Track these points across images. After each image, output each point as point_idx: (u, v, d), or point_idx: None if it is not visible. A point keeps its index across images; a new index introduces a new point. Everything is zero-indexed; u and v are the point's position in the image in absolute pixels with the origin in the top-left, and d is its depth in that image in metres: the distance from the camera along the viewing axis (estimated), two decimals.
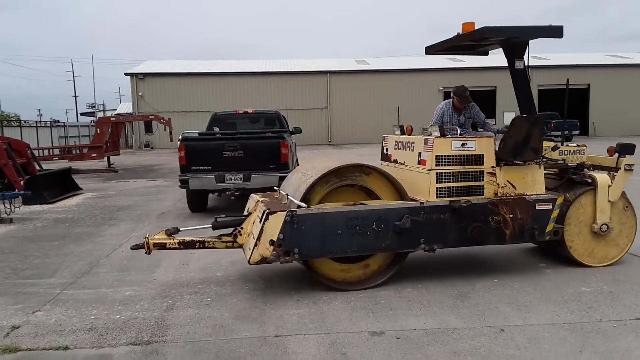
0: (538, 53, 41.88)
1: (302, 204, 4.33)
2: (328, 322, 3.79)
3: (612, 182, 4.96)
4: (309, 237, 4.26)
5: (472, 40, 5.16)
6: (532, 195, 4.82)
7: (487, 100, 37.03)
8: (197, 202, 8.69)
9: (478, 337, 3.49)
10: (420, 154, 4.86)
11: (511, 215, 4.70)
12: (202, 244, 4.62)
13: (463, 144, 4.73)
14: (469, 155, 4.73)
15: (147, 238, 4.55)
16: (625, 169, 5.00)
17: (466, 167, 4.72)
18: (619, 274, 4.70)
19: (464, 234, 4.63)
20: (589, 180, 5.00)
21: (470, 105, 6.02)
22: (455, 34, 5.05)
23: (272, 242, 4.19)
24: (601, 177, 4.95)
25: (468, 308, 4.01)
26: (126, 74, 34.89)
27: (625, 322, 3.67)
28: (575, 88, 36.54)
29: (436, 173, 4.65)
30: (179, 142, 8.27)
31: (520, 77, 5.06)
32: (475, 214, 4.63)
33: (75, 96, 61.96)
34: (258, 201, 4.84)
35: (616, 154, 5.14)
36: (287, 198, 4.62)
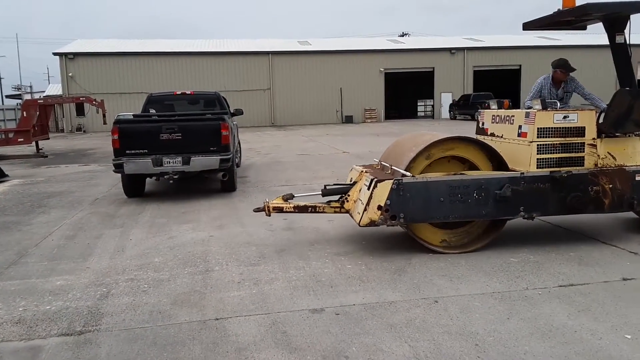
0: (473, 35, 43.25)
1: (407, 173, 4.65)
2: (269, 302, 3.80)
3: None
4: (414, 203, 4.59)
5: (573, 16, 5.22)
6: (632, 166, 5.01)
7: (425, 80, 38.01)
8: (133, 187, 8.38)
9: (413, 309, 3.62)
10: (520, 126, 5.02)
11: (610, 186, 4.90)
12: (314, 209, 5.17)
13: (565, 117, 4.90)
14: (571, 127, 4.91)
15: (267, 202, 5.17)
16: None
17: (567, 139, 4.91)
18: (546, 245, 4.99)
19: (563, 203, 4.84)
20: None
21: (569, 78, 6.08)
22: (556, 9, 5.14)
23: (380, 207, 4.55)
24: None
25: (404, 282, 4.14)
26: (55, 54, 32.87)
27: (550, 289, 3.92)
28: (508, 69, 38.15)
29: (537, 145, 4.85)
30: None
31: (621, 51, 5.16)
32: (575, 184, 4.84)
33: None
34: (362, 171, 5.22)
35: None
36: (391, 168, 4.91)
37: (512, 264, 4.51)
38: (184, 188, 9.17)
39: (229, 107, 11.03)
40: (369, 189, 4.64)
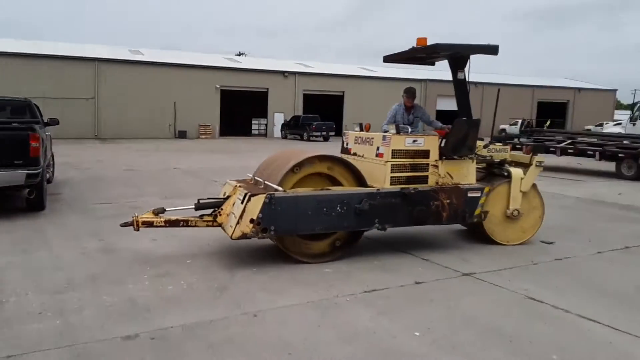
0: (304, 61, 45.69)
1: (280, 188, 4.93)
2: (75, 333, 3.48)
3: (524, 176, 5.99)
4: (284, 216, 4.85)
5: (425, 53, 5.97)
6: (465, 184, 5.75)
7: (260, 100, 38.86)
8: None
9: (233, 325, 3.68)
10: (378, 148, 5.61)
11: (448, 201, 5.60)
12: (186, 223, 5.16)
13: (414, 140, 5.61)
14: (418, 150, 5.61)
15: (136, 216, 5.01)
16: (536, 165, 6.12)
17: (415, 159, 5.60)
18: (356, 255, 5.44)
19: (411, 215, 5.46)
20: (506, 174, 6.05)
21: (417, 106, 6.76)
22: (411, 47, 5.75)
23: (252, 220, 4.73)
24: (515, 171, 6.02)
25: (226, 299, 4.18)
26: None
27: (356, 295, 4.32)
28: (334, 94, 41.11)
29: (391, 164, 5.47)
30: None
31: (461, 86, 5.98)
32: (420, 199, 5.48)
33: None
34: (236, 186, 5.36)
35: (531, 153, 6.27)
36: (264, 183, 5.14)
37: (327, 274, 4.86)
38: None
39: (41, 115, 9.89)
40: (242, 202, 4.82)
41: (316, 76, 40.14)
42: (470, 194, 5.76)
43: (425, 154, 5.66)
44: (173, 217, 5.18)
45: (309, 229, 5.06)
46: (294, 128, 35.01)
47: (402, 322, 3.79)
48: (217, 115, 36.32)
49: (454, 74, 6.00)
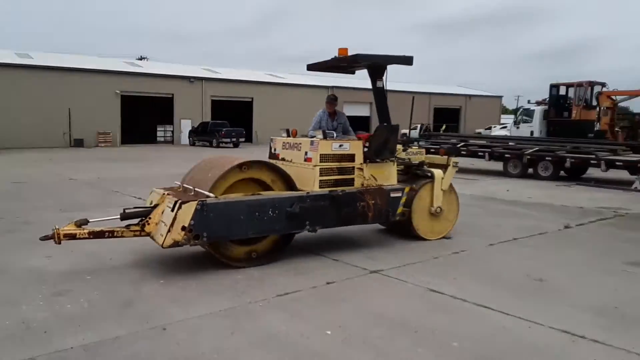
0: (211, 67, 44.88)
1: (211, 194, 4.89)
2: None
3: (444, 176, 6.50)
4: (216, 222, 4.83)
5: (346, 63, 6.22)
6: (388, 185, 6.10)
7: (165, 106, 37.52)
8: None
9: (140, 341, 3.53)
10: (306, 152, 5.80)
11: (373, 201, 5.89)
12: (112, 234, 4.98)
13: (340, 145, 5.85)
14: (344, 154, 5.86)
15: (57, 229, 4.73)
16: (453, 166, 6.71)
17: (342, 163, 5.84)
18: (258, 268, 5.45)
19: (339, 216, 5.67)
20: (429, 174, 6.50)
21: (339, 113, 7.04)
22: (333, 56, 6.06)
23: (183, 228, 4.65)
24: (437, 172, 6.51)
25: (132, 314, 3.99)
26: None
27: (269, 300, 4.34)
28: (242, 100, 40.80)
29: (320, 168, 5.65)
30: None
31: (380, 93, 6.33)
32: (347, 201, 5.71)
33: None
34: (164, 194, 5.26)
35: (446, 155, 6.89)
36: (194, 190, 5.08)
37: (239, 281, 4.83)
38: None
39: None
40: (172, 210, 4.74)
41: (224, 82, 39.57)
42: (392, 194, 6.13)
43: (350, 157, 5.93)
44: (97, 228, 4.98)
45: (242, 234, 5.09)
46: (202, 134, 34.18)
47: (315, 322, 3.87)
48: (118, 122, 34.50)
49: (373, 82, 6.37)
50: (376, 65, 6.28)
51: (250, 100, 40.76)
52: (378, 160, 6.14)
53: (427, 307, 4.22)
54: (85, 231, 4.90)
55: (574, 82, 22.60)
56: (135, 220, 5.23)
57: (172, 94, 36.98)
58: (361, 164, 6.00)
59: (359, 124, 34.36)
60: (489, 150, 15.94)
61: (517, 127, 23.77)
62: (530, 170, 14.83)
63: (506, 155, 15.44)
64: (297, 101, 42.48)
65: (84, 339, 3.53)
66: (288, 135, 6.40)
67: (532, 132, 22.49)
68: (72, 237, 4.84)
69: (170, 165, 18.53)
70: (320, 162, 5.70)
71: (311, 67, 6.86)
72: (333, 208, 5.62)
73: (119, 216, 5.19)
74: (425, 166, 6.80)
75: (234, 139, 32.45)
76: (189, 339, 3.55)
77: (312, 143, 5.79)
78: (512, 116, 34.58)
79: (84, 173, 14.96)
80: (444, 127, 37.19)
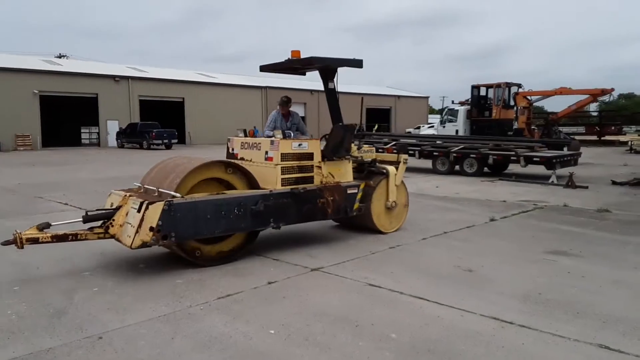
0: (138, 65, 43.22)
1: (177, 194, 4.91)
2: None
3: (397, 172, 6.91)
4: (184, 222, 4.85)
5: (300, 65, 6.46)
6: (344, 182, 6.39)
7: (89, 107, 35.70)
8: None
9: (75, 351, 3.38)
10: (267, 152, 5.93)
11: (332, 198, 6.13)
12: (75, 237, 4.89)
13: (300, 144, 6.04)
14: (304, 153, 6.06)
15: (19, 233, 4.61)
16: (403, 162, 7.16)
17: (302, 162, 6.03)
18: (198, 270, 5.41)
19: (300, 213, 5.86)
20: (384, 171, 6.87)
21: (293, 113, 7.19)
22: (287, 58, 6.30)
23: (151, 229, 4.65)
24: (391, 169, 6.92)
25: (65, 324, 3.82)
26: None
27: (210, 303, 4.29)
28: (173, 100, 39.67)
29: (281, 167, 5.82)
30: None
31: (331, 94, 6.62)
32: (308, 197, 5.91)
33: None
34: (126, 195, 5.20)
35: (395, 152, 7.32)
36: (158, 190, 5.10)
37: (178, 285, 4.74)
38: None
39: None
40: (138, 211, 4.74)
41: (152, 81, 38.27)
42: (349, 191, 6.41)
43: (310, 156, 6.15)
44: (61, 232, 4.88)
45: (209, 233, 5.14)
46: (131, 136, 32.89)
47: (258, 322, 3.88)
48: (38, 123, 32.49)
49: (325, 83, 6.65)
50: (328, 68, 6.54)
51: (181, 100, 39.71)
52: (335, 158, 6.39)
53: (366, 302, 4.36)
54: (49, 235, 4.76)
55: (493, 83, 24.03)
56: (98, 223, 5.14)
57: (97, 94, 35.31)
58: (319, 162, 6.23)
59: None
60: (419, 148, 16.57)
61: (444, 127, 24.90)
62: (457, 167, 15.58)
63: (434, 154, 16.13)
64: (230, 101, 41.95)
65: (14, 352, 3.34)
66: (245, 136, 6.51)
67: (457, 131, 23.65)
68: (34, 241, 4.69)
69: (98, 169, 17.71)
70: (282, 161, 5.87)
71: (264, 69, 7.03)
72: (295, 205, 5.81)
73: (81, 219, 5.09)
74: (377, 163, 7.13)
75: (166, 141, 31.52)
76: (127, 347, 3.45)
77: (272, 143, 5.94)
78: (439, 116, 36.12)
79: (3, 178, 13.97)
80: (376, 126, 38.16)
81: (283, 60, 6.54)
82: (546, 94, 25.06)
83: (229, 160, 5.78)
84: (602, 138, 33.74)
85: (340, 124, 6.59)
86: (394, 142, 17.59)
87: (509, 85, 23.92)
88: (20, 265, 5.29)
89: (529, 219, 8.28)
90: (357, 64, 6.59)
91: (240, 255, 5.58)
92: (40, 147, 32.37)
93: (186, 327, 3.80)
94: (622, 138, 32.77)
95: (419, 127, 45.82)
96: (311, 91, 44.18)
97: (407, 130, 44.84)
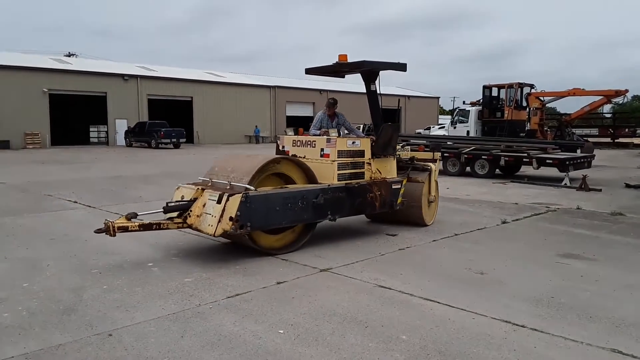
0: (147, 64, 43.42)
1: (252, 187, 5.30)
2: None
3: (436, 168, 7.51)
4: (257, 213, 5.23)
5: (348, 68, 6.81)
6: (390, 178, 6.86)
7: (98, 105, 35.92)
8: None
9: (85, 348, 3.38)
10: (322, 149, 6.34)
11: (379, 192, 6.61)
12: (159, 226, 5.34)
13: (353, 142, 6.49)
14: (357, 150, 6.50)
15: (111, 222, 4.96)
16: (439, 160, 7.67)
17: (355, 159, 6.48)
18: (216, 262, 5.40)
19: (353, 206, 6.34)
20: (428, 168, 7.48)
21: (339, 113, 7.46)
22: (335, 62, 6.56)
23: (231, 219, 5.02)
24: (433, 165, 7.52)
25: (74, 321, 3.82)
26: None
27: (219, 302, 4.28)
28: (181, 100, 39.81)
29: (338, 163, 6.25)
30: None
31: (373, 96, 7.02)
32: (360, 192, 6.40)
33: None
34: (198, 189, 5.60)
35: (429, 150, 7.95)
36: (230, 184, 5.46)
37: (187, 284, 4.73)
38: None
39: None
40: (218, 202, 5.12)
41: (161, 80, 38.43)
42: (394, 186, 6.89)
43: (361, 153, 6.59)
44: (146, 221, 5.29)
45: (277, 223, 5.55)
46: (139, 135, 33.03)
47: (267, 322, 3.86)
48: (47, 122, 32.73)
49: (368, 86, 7.03)
50: (372, 71, 6.90)
51: (189, 99, 39.84)
52: (383, 155, 6.82)
53: (376, 303, 4.32)
54: (136, 224, 5.17)
55: (505, 83, 23.78)
56: (175, 214, 5.52)
57: (105, 93, 35.53)
58: (369, 159, 6.67)
59: (301, 122, 34.45)
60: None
61: (454, 127, 24.71)
62: (468, 168, 15.47)
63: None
64: (238, 100, 42.03)
65: (25, 347, 3.35)
66: (296, 134, 6.92)
67: (468, 132, 23.46)
68: (125, 229, 5.10)
69: (107, 168, 17.80)
70: (338, 157, 6.27)
71: (310, 71, 7.32)
72: (349, 199, 6.25)
73: (162, 210, 5.50)
74: (416, 161, 7.67)
75: (174, 140, 31.64)
76: (136, 344, 3.44)
77: (329, 140, 6.32)
78: (449, 116, 35.88)
79: (12, 176, 14.08)
80: None
81: (331, 63, 6.76)
82: (559, 95, 24.77)
83: (290, 157, 6.26)
84: (616, 140, 33.36)
85: (389, 123, 6.96)
86: (404, 143, 17.49)
87: (521, 85, 23.64)
88: (29, 262, 5.31)
89: (542, 221, 8.19)
90: (401, 67, 6.93)
91: (299, 248, 5.96)
92: (50, 145, 32.62)
93: (195, 325, 3.78)
94: (636, 140, 32.45)
95: (429, 128, 45.61)
96: (320, 91, 44.19)
97: (417, 131, 44.68)
